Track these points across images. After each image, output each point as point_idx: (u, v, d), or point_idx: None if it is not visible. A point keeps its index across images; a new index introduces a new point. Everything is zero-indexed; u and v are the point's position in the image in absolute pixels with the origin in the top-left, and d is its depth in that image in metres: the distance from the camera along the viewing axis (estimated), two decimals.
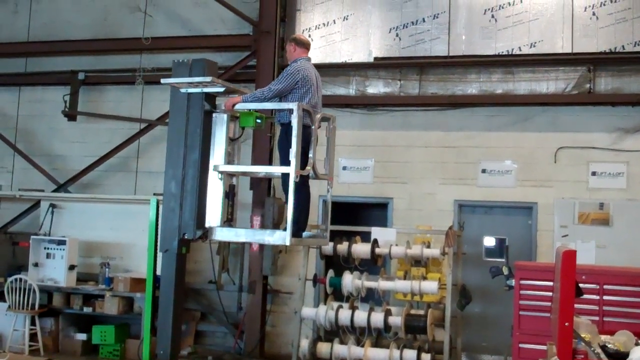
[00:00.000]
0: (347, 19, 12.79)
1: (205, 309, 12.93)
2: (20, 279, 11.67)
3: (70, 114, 13.88)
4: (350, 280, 11.02)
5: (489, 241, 12.02)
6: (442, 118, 12.29)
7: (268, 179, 12.40)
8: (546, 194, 11.69)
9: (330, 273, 11.45)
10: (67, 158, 14.17)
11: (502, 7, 12.12)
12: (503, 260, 10.53)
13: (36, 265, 12.21)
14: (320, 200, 12.03)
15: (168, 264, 7.33)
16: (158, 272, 7.70)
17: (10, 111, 14.67)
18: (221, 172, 7.33)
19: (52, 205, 13.15)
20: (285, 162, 7.14)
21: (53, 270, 12.17)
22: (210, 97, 7.42)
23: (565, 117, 11.76)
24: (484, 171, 12.03)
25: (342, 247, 11.26)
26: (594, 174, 11.57)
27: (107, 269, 12.26)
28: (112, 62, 14.05)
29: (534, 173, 11.80)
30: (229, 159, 7.50)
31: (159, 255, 7.54)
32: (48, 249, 12.27)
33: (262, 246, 12.14)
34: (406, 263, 11.31)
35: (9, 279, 11.78)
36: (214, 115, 7.44)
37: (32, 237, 12.43)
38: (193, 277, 12.64)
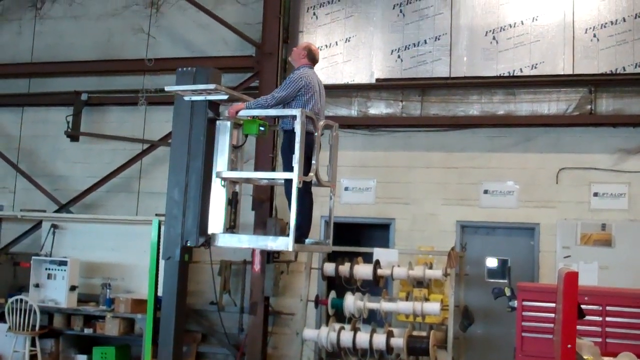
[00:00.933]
0: (349, 41, 12.85)
1: (206, 331, 12.89)
2: (21, 300, 11.64)
3: (73, 135, 13.91)
4: (352, 302, 10.99)
5: (492, 262, 11.98)
6: (444, 139, 12.31)
7: (270, 200, 12.42)
8: (548, 214, 11.68)
9: (332, 294, 11.42)
10: (69, 178, 14.18)
11: (503, 29, 12.18)
12: (505, 281, 10.55)
13: (37, 286, 12.18)
14: (322, 220, 12.05)
15: (170, 272, 7.31)
16: (159, 293, 7.68)
17: (13, 131, 14.72)
18: (224, 179, 7.32)
19: (54, 226, 13.15)
20: (288, 168, 7.13)
21: (54, 291, 12.13)
22: (214, 105, 7.44)
23: (567, 138, 11.78)
24: (486, 192, 12.03)
25: (344, 268, 11.24)
26: (595, 194, 11.57)
27: (108, 290, 12.23)
28: (115, 83, 14.11)
29: (536, 194, 11.79)
30: (232, 166, 7.51)
31: (161, 272, 7.52)
32: (49, 269, 12.25)
33: (263, 267, 12.12)
34: (408, 284, 11.29)
35: (10, 300, 11.75)
36: (217, 122, 7.46)
37: (33, 257, 12.42)
38: (194, 298, 12.60)
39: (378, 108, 12.77)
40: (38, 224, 13.69)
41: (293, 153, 6.94)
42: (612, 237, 11.35)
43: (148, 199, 13.49)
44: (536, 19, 12.07)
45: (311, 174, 7.22)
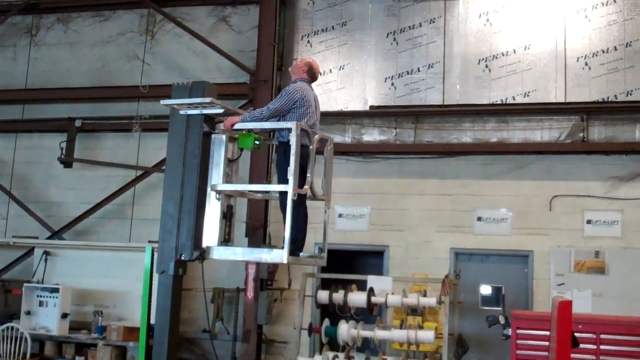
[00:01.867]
0: (343, 68, 12.93)
1: (199, 359, 12.79)
2: (12, 328, 11.53)
3: (67, 161, 13.90)
4: (346, 330, 10.94)
5: (486, 289, 11.97)
6: (438, 166, 12.35)
7: (264, 227, 12.41)
8: (542, 242, 11.69)
9: (326, 322, 11.36)
10: (62, 205, 14.15)
11: (496, 57, 12.27)
12: (499, 309, 10.51)
13: (28, 313, 12.10)
14: (315, 247, 11.99)
15: (164, 286, 7.25)
16: (152, 321, 7.63)
17: (7, 157, 14.70)
18: (219, 192, 7.30)
19: (46, 253, 13.09)
20: (283, 180, 7.09)
21: (45, 318, 12.06)
22: (209, 119, 7.46)
23: (560, 165, 11.83)
24: (479, 219, 12.05)
25: (338, 295, 11.19)
26: (589, 222, 11.59)
27: (100, 318, 12.16)
28: (110, 109, 14.13)
29: (530, 221, 11.81)
30: (227, 179, 7.48)
31: (154, 300, 7.46)
32: (41, 296, 12.18)
33: (256, 294, 12.07)
34: (402, 312, 11.24)
35: (0, 328, 11.64)
36: (212, 136, 7.45)
37: (25, 284, 12.35)
38: (187, 325, 12.52)
39: (372, 135, 12.81)
40: (30, 251, 13.63)
41: (288, 165, 6.95)
42: (605, 265, 11.36)
43: (141, 225, 13.45)
44: (528, 48, 12.17)
45: (306, 186, 7.19)
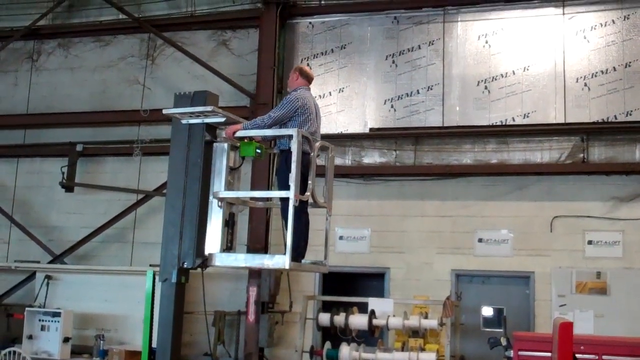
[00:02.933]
0: (342, 91, 12.99)
1: None
2: (14, 352, 11.49)
3: (68, 185, 13.93)
4: (347, 353, 10.90)
5: (487, 311, 11.93)
6: (438, 188, 12.36)
7: (265, 250, 12.41)
8: (543, 263, 11.68)
9: (327, 345, 11.33)
10: (64, 229, 14.16)
11: (495, 79, 12.33)
12: (501, 330, 10.46)
13: (30, 337, 12.06)
14: (315, 274, 12.13)
15: (167, 295, 7.23)
16: (154, 345, 7.60)
17: (8, 182, 14.73)
18: (220, 200, 7.31)
19: (48, 277, 13.08)
20: (285, 187, 7.08)
21: (47, 342, 12.02)
22: (211, 128, 7.50)
23: (560, 186, 11.84)
24: (480, 240, 12.04)
25: (339, 318, 11.17)
26: (590, 242, 11.58)
27: (101, 342, 12.12)
28: (111, 134, 14.19)
29: (531, 242, 11.80)
30: (229, 187, 7.49)
31: (155, 323, 7.44)
32: (43, 321, 12.15)
33: (258, 317, 12.04)
34: (404, 334, 11.20)
35: (3, 352, 11.60)
36: (214, 144, 7.48)
37: (27, 309, 12.33)
38: (188, 349, 12.47)
39: (372, 157, 12.84)
40: (32, 275, 13.63)
41: (289, 172, 6.95)
42: (607, 286, 11.33)
43: (142, 249, 13.45)
44: (527, 69, 12.23)
45: (307, 193, 7.21)
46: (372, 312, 11.12)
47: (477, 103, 12.38)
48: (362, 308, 11.40)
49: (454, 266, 12.09)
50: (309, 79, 7.84)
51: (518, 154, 12.12)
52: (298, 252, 7.22)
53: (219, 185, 7.29)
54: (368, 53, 13.05)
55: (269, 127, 7.30)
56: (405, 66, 12.81)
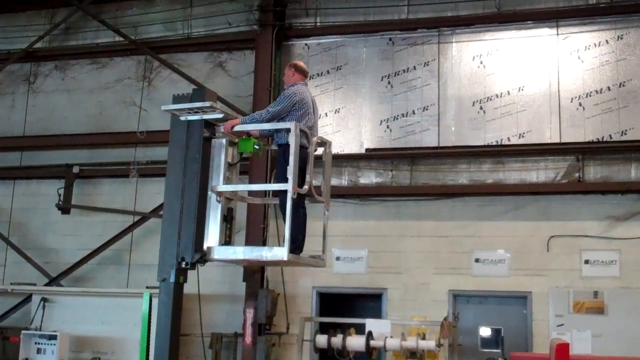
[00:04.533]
0: (338, 112, 13.03)
1: None
2: None
3: (64, 207, 13.92)
4: None
5: (485, 331, 11.91)
6: (434, 208, 12.37)
7: (262, 272, 12.39)
8: (540, 283, 11.67)
9: None
10: (60, 251, 14.13)
11: (490, 99, 12.38)
12: (499, 351, 10.46)
13: None
14: (314, 291, 12.11)
15: (165, 295, 7.22)
16: None
17: (4, 204, 14.72)
18: (219, 194, 7.32)
19: (44, 299, 13.03)
20: (283, 181, 7.14)
21: None
22: (209, 125, 7.50)
23: (556, 205, 11.86)
24: (477, 260, 12.03)
25: (337, 340, 11.12)
26: (587, 262, 11.58)
27: None
28: (107, 155, 14.20)
29: (527, 262, 11.80)
30: (228, 183, 7.51)
31: (152, 345, 7.41)
32: (39, 344, 12.12)
33: (255, 339, 11.99)
34: (402, 355, 11.15)
35: None
36: (212, 140, 7.50)
37: (22, 331, 12.29)
38: None
39: (368, 178, 12.86)
40: (28, 298, 13.57)
41: (288, 165, 7.00)
42: (604, 305, 11.32)
43: (139, 271, 13.42)
44: (522, 89, 12.28)
45: (305, 186, 7.25)
46: (370, 333, 11.08)
47: (473, 123, 12.42)
48: (360, 329, 11.35)
49: (451, 286, 12.07)
50: (304, 73, 7.97)
51: (514, 173, 12.15)
52: (296, 246, 7.26)
53: (217, 180, 7.35)
54: (363, 74, 13.11)
55: (267, 122, 7.36)
56: (400, 87, 12.87)
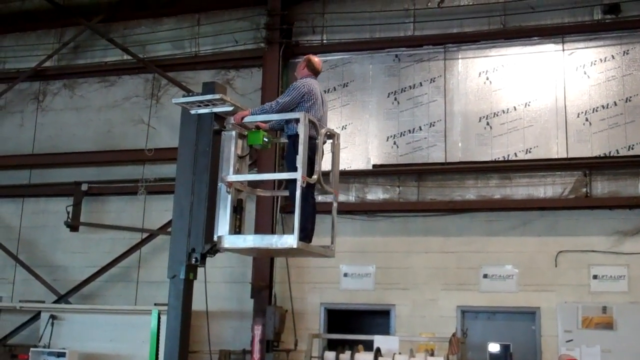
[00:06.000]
0: (345, 128, 13.07)
1: None
2: None
3: (73, 225, 13.98)
4: None
5: (494, 347, 11.82)
6: (442, 223, 12.37)
7: (269, 288, 12.40)
8: (548, 298, 11.63)
9: None
10: (69, 269, 14.17)
11: (497, 115, 12.41)
12: None
13: None
14: (322, 308, 12.12)
15: (175, 292, 7.25)
16: None
17: (13, 222, 14.78)
18: (229, 185, 7.38)
19: (53, 317, 13.06)
20: (292, 170, 7.24)
21: None
22: (219, 118, 7.58)
23: (564, 221, 11.84)
24: (485, 276, 12.01)
25: (345, 356, 11.07)
26: (595, 277, 11.55)
27: None
28: (115, 172, 14.26)
29: (536, 277, 11.77)
30: (237, 174, 7.59)
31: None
32: None
33: (263, 356, 11.97)
34: None
35: None
36: (222, 133, 7.57)
37: (31, 349, 12.32)
38: None
39: (375, 194, 12.87)
40: (37, 315, 13.60)
41: (297, 155, 7.10)
42: (613, 320, 11.28)
43: (147, 288, 13.45)
44: (529, 105, 12.31)
45: (314, 176, 7.31)
46: (378, 350, 11.04)
47: (479, 139, 12.44)
48: (368, 346, 11.30)
49: (459, 302, 12.05)
50: (314, 70, 8.02)
51: (521, 189, 12.15)
52: (305, 235, 7.31)
53: (227, 171, 7.43)
54: (370, 91, 13.17)
55: (277, 113, 7.46)
56: (407, 103, 12.91)
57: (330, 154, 7.93)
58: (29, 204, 14.82)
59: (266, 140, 7.59)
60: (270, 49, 13.43)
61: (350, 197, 12.92)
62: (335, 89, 13.26)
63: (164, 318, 8.48)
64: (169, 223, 12.00)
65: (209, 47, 14.15)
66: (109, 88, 14.79)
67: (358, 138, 13.05)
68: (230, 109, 7.45)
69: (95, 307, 13.30)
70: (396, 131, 12.85)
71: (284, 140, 7.85)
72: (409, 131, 12.79)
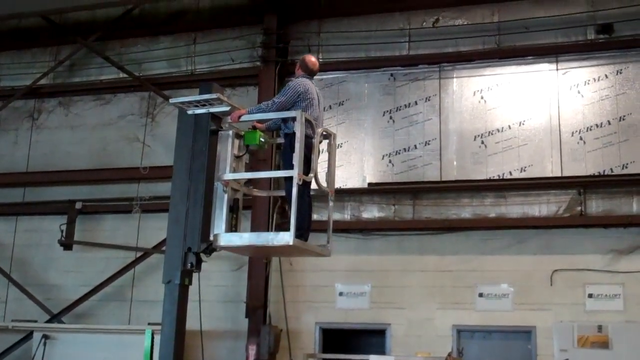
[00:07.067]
0: (341, 147, 13.05)
1: None
2: None
3: (67, 243, 13.90)
4: None
5: None
6: (437, 242, 12.35)
7: (264, 307, 12.34)
8: (544, 317, 11.60)
9: None
10: (62, 288, 14.08)
11: (492, 134, 12.44)
12: None
13: None
14: (317, 327, 12.06)
15: (170, 297, 7.26)
16: None
17: (7, 240, 14.70)
18: (225, 184, 7.40)
19: (45, 336, 12.93)
20: (289, 168, 7.29)
21: None
22: (216, 118, 7.61)
23: (559, 239, 11.83)
24: (481, 295, 11.98)
25: None
26: (590, 296, 11.53)
27: None
28: (110, 191, 14.22)
29: (531, 296, 11.74)
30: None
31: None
32: None
33: None
34: None
35: None
36: (219, 133, 7.64)
37: None
38: None
39: (371, 212, 12.86)
40: (29, 335, 13.46)
41: (293, 153, 7.15)
42: (609, 339, 11.24)
43: (141, 307, 13.37)
44: (523, 124, 12.35)
45: (311, 174, 7.34)
46: None
47: (474, 157, 12.46)
48: None
49: (455, 321, 12.00)
50: (309, 70, 8.12)
51: (516, 207, 12.16)
52: (300, 233, 7.36)
53: (223, 170, 7.50)
54: (365, 109, 13.20)
55: (273, 112, 7.54)
56: (402, 122, 12.94)
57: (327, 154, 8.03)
58: (23, 222, 14.75)
59: (262, 140, 7.70)
60: (266, 67, 13.46)
61: (346, 215, 12.91)
62: (331, 107, 13.28)
63: (157, 338, 8.41)
64: (163, 242, 11.96)
65: (205, 66, 14.18)
66: (104, 106, 14.79)
67: (353, 156, 13.06)
68: (227, 108, 7.54)
69: (88, 327, 13.19)
70: (392, 149, 12.87)
71: (280, 140, 7.92)
72: (405, 149, 12.81)
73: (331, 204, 7.99)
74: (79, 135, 14.79)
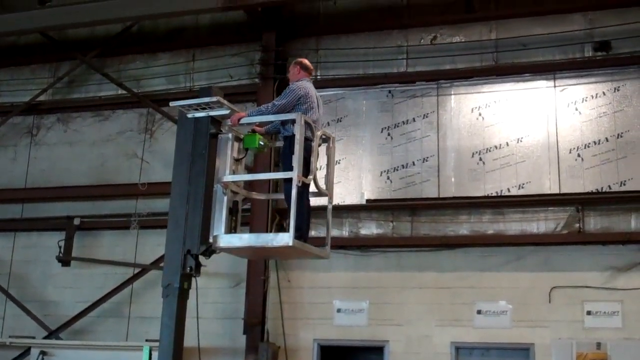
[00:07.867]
0: (339, 163, 13.07)
1: None
2: None
3: (65, 260, 13.88)
4: None
5: None
6: (436, 259, 12.34)
7: (262, 324, 12.31)
8: (542, 334, 11.57)
9: None
10: (60, 304, 14.05)
11: (490, 151, 12.46)
12: None
13: None
14: (315, 344, 12.02)
15: (169, 301, 7.26)
16: None
17: (5, 257, 14.68)
18: (225, 186, 7.44)
19: (43, 353, 12.92)
20: (288, 170, 7.34)
21: None
22: (216, 122, 7.65)
23: (557, 256, 11.83)
24: (479, 312, 11.96)
25: None
26: (589, 313, 11.50)
27: None
28: (108, 207, 14.23)
29: (530, 313, 11.72)
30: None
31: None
32: None
33: None
34: None
35: None
36: (219, 136, 7.68)
37: None
38: None
39: (369, 229, 12.86)
40: (27, 351, 13.42)
41: (293, 155, 7.20)
42: (608, 357, 11.22)
43: (139, 324, 13.34)
44: (521, 140, 12.37)
45: (310, 176, 7.36)
46: None
47: (472, 174, 12.48)
48: None
49: (453, 338, 11.96)
50: (309, 71, 8.29)
51: (514, 224, 12.16)
52: (300, 235, 7.38)
53: (223, 173, 7.54)
54: (364, 126, 13.23)
55: (273, 114, 7.61)
56: (400, 138, 12.97)
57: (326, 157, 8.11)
58: (21, 238, 14.73)
59: (262, 143, 7.75)
60: (265, 84, 13.51)
61: (344, 232, 12.91)
62: (329, 124, 13.28)
63: (155, 355, 8.40)
64: (161, 258, 11.95)
65: (203, 82, 14.19)
66: (102, 122, 14.82)
67: (352, 173, 13.08)
68: (227, 112, 7.61)
69: (86, 343, 13.15)
70: (389, 166, 12.89)
71: (279, 144, 7.98)
72: (403, 166, 12.83)
73: (329, 206, 8.03)
74: (78, 151, 14.80)
